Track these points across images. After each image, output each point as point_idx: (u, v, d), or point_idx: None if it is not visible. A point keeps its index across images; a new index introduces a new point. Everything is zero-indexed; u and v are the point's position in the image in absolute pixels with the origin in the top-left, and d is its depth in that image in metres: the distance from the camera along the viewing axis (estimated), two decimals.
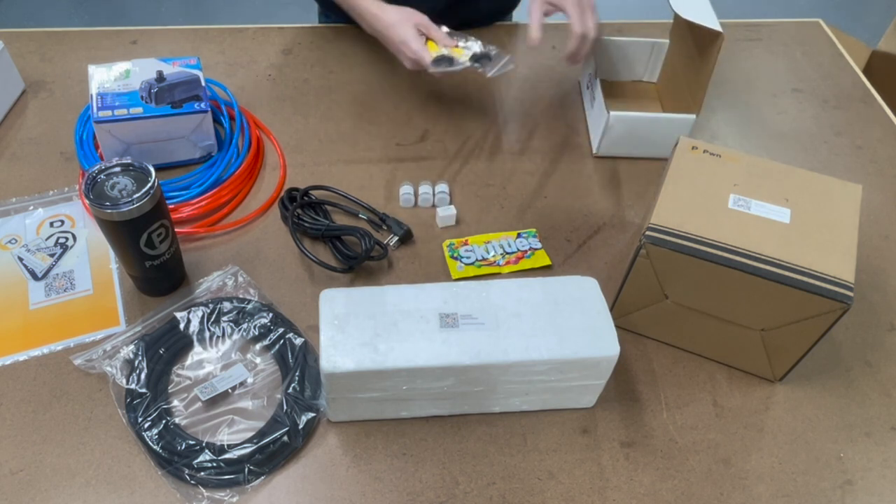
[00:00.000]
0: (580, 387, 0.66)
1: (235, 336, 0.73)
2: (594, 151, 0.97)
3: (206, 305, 0.74)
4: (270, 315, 0.73)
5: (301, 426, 0.66)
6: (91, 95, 0.85)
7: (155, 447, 0.63)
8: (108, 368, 0.69)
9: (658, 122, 0.92)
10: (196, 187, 0.86)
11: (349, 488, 0.63)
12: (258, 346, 0.72)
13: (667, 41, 1.04)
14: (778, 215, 0.69)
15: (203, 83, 0.89)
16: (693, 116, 0.90)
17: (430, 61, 0.88)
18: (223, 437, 0.65)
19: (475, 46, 0.91)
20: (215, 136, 0.90)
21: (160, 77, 0.88)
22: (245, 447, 0.64)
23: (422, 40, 0.89)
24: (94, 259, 0.80)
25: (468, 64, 0.90)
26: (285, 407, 0.66)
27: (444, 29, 0.92)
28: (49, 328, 0.73)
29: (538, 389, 0.66)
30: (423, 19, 0.91)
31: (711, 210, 0.69)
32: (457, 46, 0.90)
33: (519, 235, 0.84)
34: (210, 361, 0.71)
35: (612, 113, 0.90)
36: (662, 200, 0.70)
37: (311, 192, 0.86)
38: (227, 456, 0.63)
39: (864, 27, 2.76)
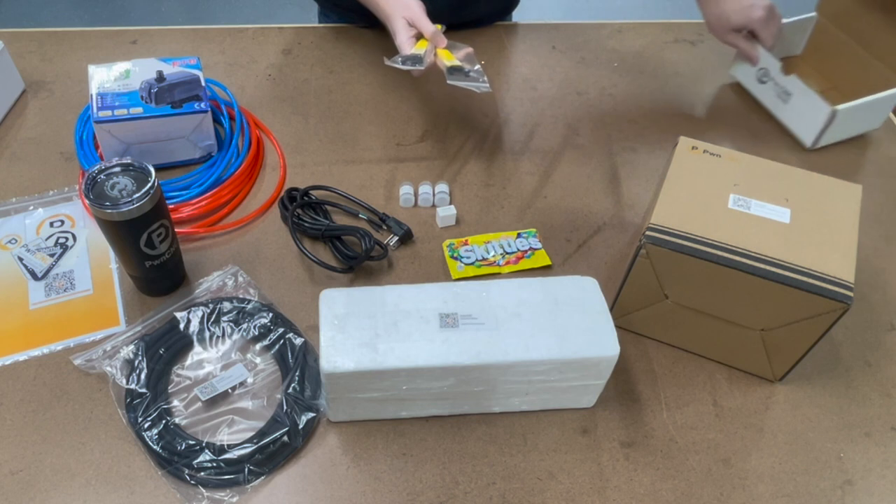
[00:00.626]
0: (580, 387, 0.66)
1: (235, 336, 0.73)
2: (810, 146, 0.99)
3: (206, 305, 0.74)
4: (270, 315, 0.73)
5: (301, 426, 0.66)
6: (91, 95, 0.85)
7: (155, 447, 0.63)
8: (108, 368, 0.69)
9: (875, 103, 0.96)
10: (196, 187, 0.86)
11: (349, 488, 0.63)
12: (258, 346, 0.72)
13: (813, 14, 1.10)
14: (778, 215, 0.69)
15: (203, 83, 0.89)
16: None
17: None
18: (223, 437, 0.65)
19: (464, 62, 0.87)
20: (215, 136, 0.90)
21: (160, 77, 0.88)
22: (245, 447, 0.64)
23: (409, 33, 0.88)
24: (94, 259, 0.80)
25: (441, 66, 0.86)
26: (285, 407, 0.66)
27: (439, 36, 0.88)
28: (49, 328, 0.73)
29: (538, 389, 0.66)
30: (413, 13, 0.88)
31: (711, 210, 0.69)
32: (445, 48, 0.88)
33: (519, 235, 0.84)
34: (210, 361, 0.71)
35: (839, 107, 0.93)
36: (662, 200, 0.70)
37: (311, 192, 0.86)
38: (227, 456, 0.63)
39: None
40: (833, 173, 0.74)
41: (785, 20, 1.08)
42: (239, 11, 2.77)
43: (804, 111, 0.98)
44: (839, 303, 0.62)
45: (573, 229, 0.87)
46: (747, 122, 1.04)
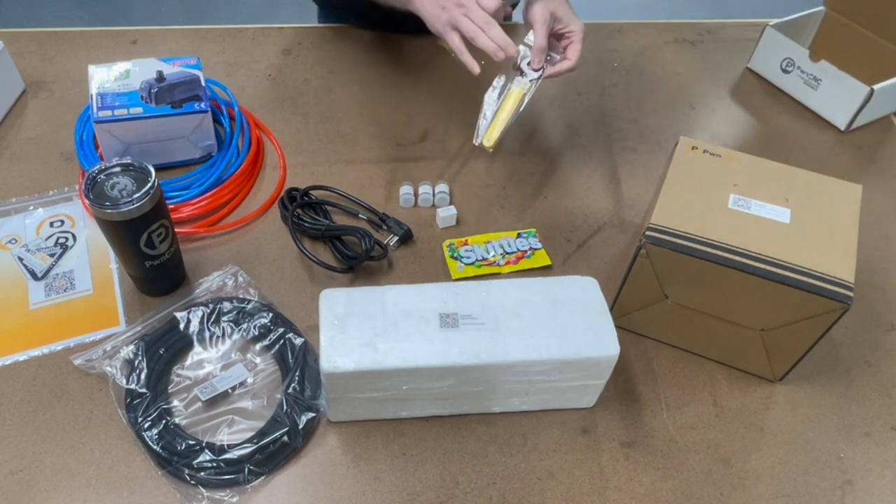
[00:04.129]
0: (580, 387, 0.66)
1: (235, 336, 0.73)
2: (846, 128, 1.02)
3: (206, 305, 0.74)
4: (270, 315, 0.73)
5: (301, 426, 0.66)
6: (91, 95, 0.85)
7: (155, 447, 0.63)
8: (108, 368, 0.69)
9: None
10: (196, 187, 0.86)
11: (349, 488, 0.63)
12: (258, 346, 0.72)
13: (821, 9, 1.13)
14: (778, 215, 0.69)
15: (203, 83, 0.89)
16: None
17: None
18: (223, 437, 0.65)
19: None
20: (215, 136, 0.90)
21: (160, 77, 0.88)
22: (245, 447, 0.64)
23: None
24: (94, 259, 0.80)
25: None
26: (285, 407, 0.66)
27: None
28: (49, 328, 0.73)
29: (538, 389, 0.66)
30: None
31: (711, 210, 0.69)
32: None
33: (519, 235, 0.84)
34: (210, 361, 0.71)
35: (876, 87, 0.96)
36: (662, 200, 0.70)
37: (311, 192, 0.86)
38: (227, 456, 0.63)
39: None
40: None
41: (792, 15, 1.10)
42: (239, 11, 2.77)
43: (837, 95, 1.01)
44: (839, 303, 0.62)
45: (573, 229, 0.87)
46: (748, 121, 1.04)
